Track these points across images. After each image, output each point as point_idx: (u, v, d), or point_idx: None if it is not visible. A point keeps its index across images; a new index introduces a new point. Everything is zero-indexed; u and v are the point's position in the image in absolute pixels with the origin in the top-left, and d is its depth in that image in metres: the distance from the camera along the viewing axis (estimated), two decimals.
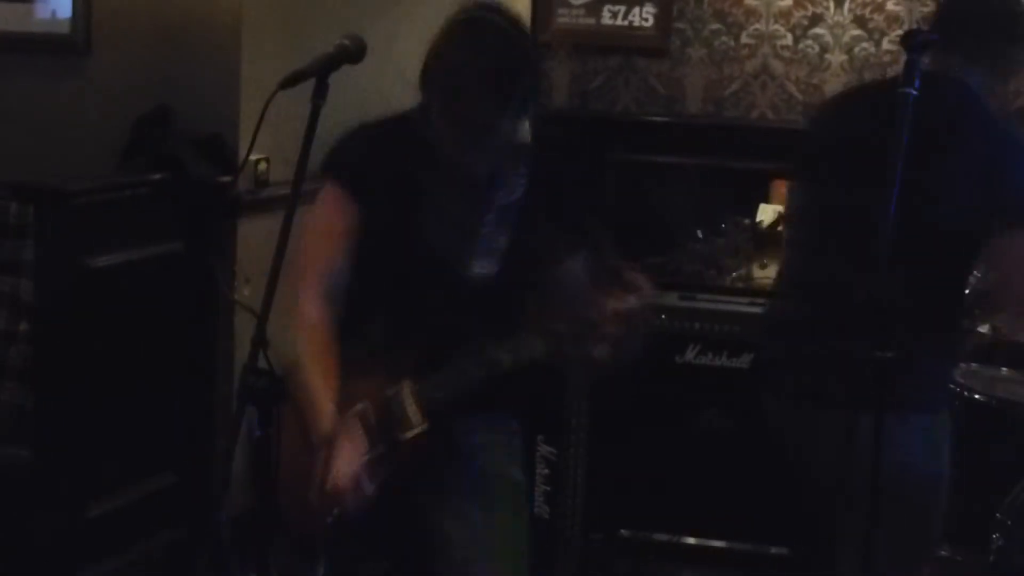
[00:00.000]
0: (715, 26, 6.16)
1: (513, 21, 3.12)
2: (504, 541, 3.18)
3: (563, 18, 6.23)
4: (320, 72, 2.74)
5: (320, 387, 3.00)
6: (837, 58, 5.96)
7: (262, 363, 2.71)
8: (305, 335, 3.06)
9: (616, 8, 6.23)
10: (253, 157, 4.44)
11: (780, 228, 5.49)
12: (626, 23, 6.23)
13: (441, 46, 3.03)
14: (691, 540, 5.17)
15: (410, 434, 2.99)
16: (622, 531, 5.16)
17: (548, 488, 4.72)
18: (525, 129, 3.14)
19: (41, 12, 4.86)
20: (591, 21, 6.25)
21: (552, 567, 4.74)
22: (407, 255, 3.13)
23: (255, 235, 4.66)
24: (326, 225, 3.13)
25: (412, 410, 3.01)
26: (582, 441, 5.01)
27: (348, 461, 2.95)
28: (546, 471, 4.73)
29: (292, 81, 2.72)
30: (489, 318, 3.01)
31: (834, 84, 5.91)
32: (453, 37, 3.03)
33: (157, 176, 4.62)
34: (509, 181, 3.12)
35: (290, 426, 2.92)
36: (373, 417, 3.01)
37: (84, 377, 4.42)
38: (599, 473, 5.12)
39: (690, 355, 5.15)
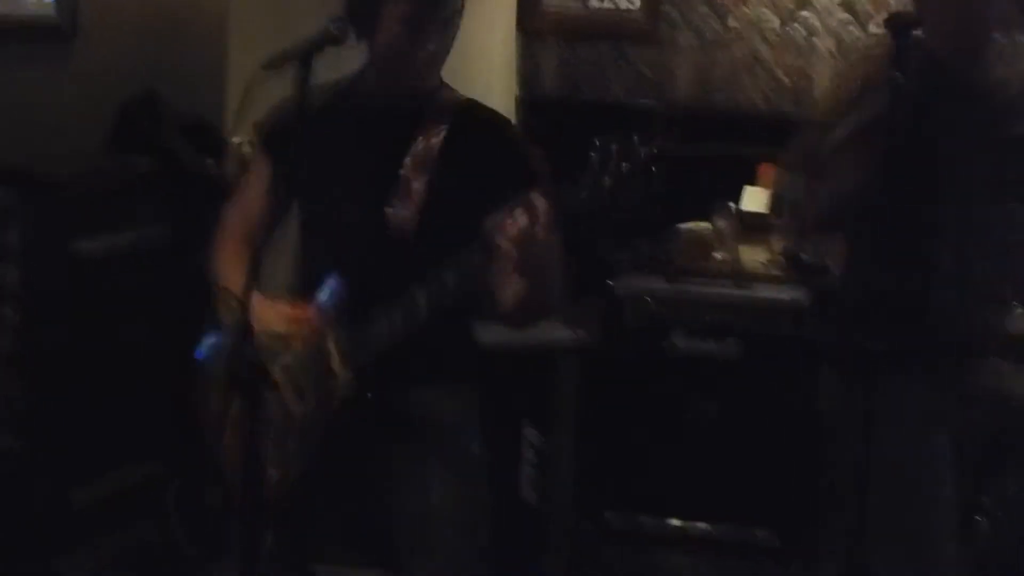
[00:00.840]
0: (702, 10, 6.20)
1: None
2: (462, 513, 3.19)
3: (551, 5, 6.25)
4: (303, 55, 2.77)
5: (233, 282, 3.03)
6: (825, 42, 6.00)
7: (247, 350, 2.70)
8: (219, 259, 3.23)
9: None
10: (237, 140, 4.44)
11: (765, 212, 5.59)
12: (613, 6, 6.26)
13: None
14: (686, 524, 5.24)
15: (334, 382, 2.99)
16: (608, 514, 5.23)
17: (534, 472, 4.75)
18: (445, 48, 3.18)
19: None
20: (578, 4, 6.27)
21: (539, 550, 4.79)
22: (330, 200, 3.18)
23: None
24: (251, 178, 3.35)
25: (336, 357, 3.01)
26: (570, 425, 5.05)
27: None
28: (531, 455, 4.74)
29: (276, 63, 2.79)
30: (411, 265, 2.98)
31: (822, 70, 5.96)
32: None
33: (144, 161, 4.69)
34: (434, 124, 3.15)
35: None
36: (303, 369, 3.03)
37: (71, 364, 4.45)
38: (586, 457, 5.18)
39: (679, 339, 5.23)
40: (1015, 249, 3.60)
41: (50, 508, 4.43)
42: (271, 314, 2.99)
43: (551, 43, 6.29)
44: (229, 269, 3.16)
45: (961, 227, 3.48)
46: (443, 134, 3.13)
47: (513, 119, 6.16)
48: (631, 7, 6.18)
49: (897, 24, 3.16)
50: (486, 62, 6.01)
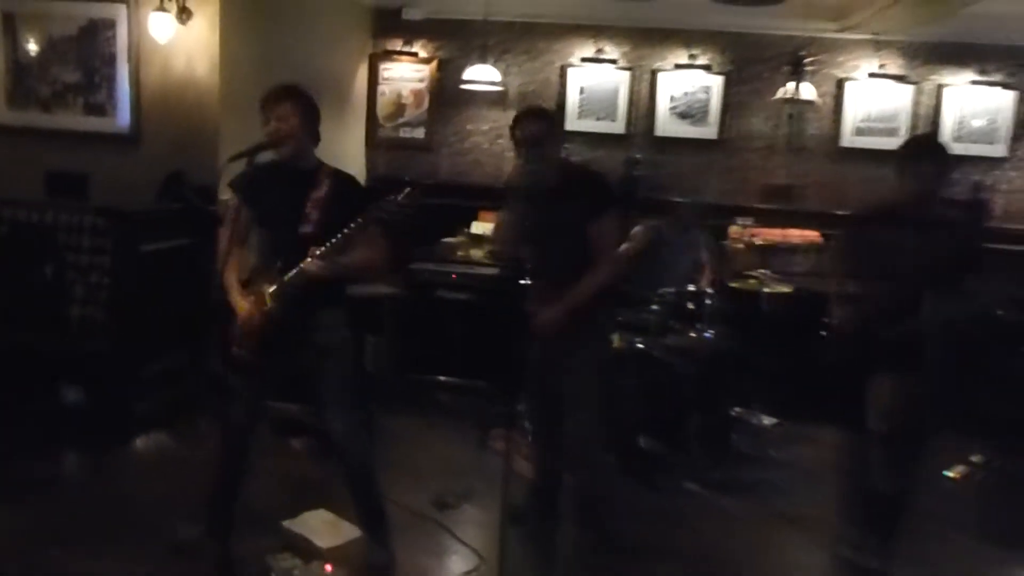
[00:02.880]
0: (453, 139, 6.29)
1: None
2: (341, 369, 3.07)
3: (382, 133, 6.29)
4: (251, 153, 2.85)
5: (230, 276, 3.02)
6: (509, 154, 5.83)
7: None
8: (222, 258, 3.04)
9: (407, 130, 6.25)
10: (224, 196, 4.27)
11: (483, 233, 5.72)
12: (410, 136, 6.24)
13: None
14: (445, 379, 5.38)
15: (265, 308, 2.93)
16: (410, 375, 5.36)
17: (372, 355, 4.80)
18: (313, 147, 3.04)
19: (121, 122, 4.74)
20: (396, 135, 6.28)
21: (375, 394, 4.75)
22: (269, 222, 3.05)
23: None
24: (232, 209, 3.10)
25: (269, 297, 2.94)
26: (392, 330, 5.17)
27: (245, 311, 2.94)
28: (371, 347, 4.80)
29: (236, 157, 2.83)
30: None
31: (506, 167, 5.79)
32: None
33: (176, 205, 4.51)
34: (321, 187, 2.96)
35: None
36: (254, 300, 2.95)
37: (139, 307, 4.33)
38: (399, 347, 5.28)
39: (442, 292, 5.40)
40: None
41: (131, 378, 4.30)
42: (240, 307, 2.96)
43: (382, 151, 6.34)
44: (226, 261, 3.04)
45: (562, 242, 3.19)
46: (325, 188, 2.97)
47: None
48: (420, 136, 6.26)
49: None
50: (351, 160, 6.05)
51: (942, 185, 3.20)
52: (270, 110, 2.95)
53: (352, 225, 2.84)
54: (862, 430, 3.38)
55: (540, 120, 3.24)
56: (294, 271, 2.92)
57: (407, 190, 2.85)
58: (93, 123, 4.79)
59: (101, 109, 4.79)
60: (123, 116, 4.76)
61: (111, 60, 4.73)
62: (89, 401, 4.24)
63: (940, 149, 3.29)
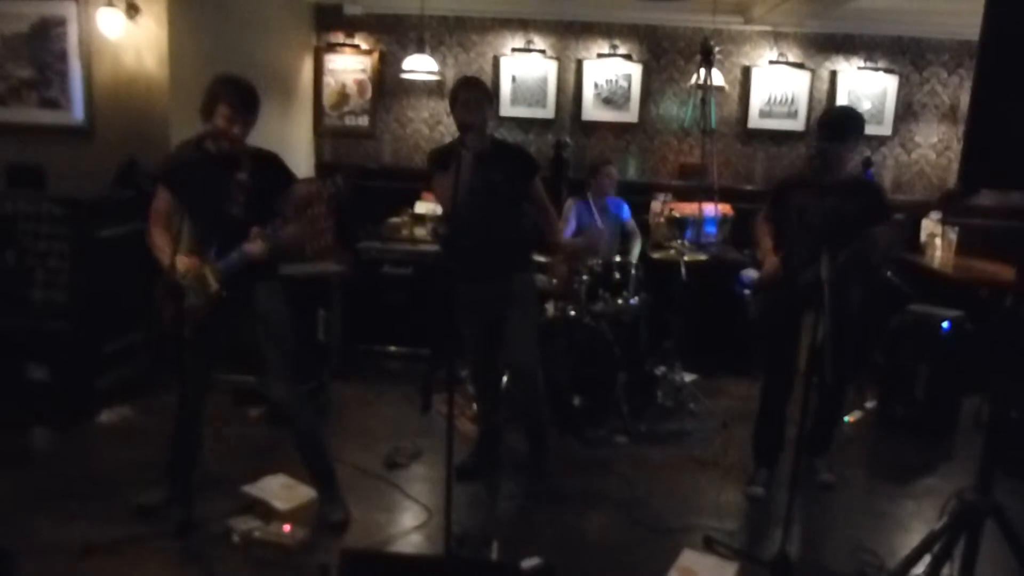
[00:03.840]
0: (395, 125, 6.20)
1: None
2: (279, 340, 3.02)
3: (327, 121, 6.18)
4: (198, 141, 2.86)
5: (165, 253, 2.91)
6: (446, 138, 5.85)
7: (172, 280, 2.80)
8: (154, 240, 2.99)
9: (352, 117, 6.14)
10: None
11: (424, 213, 5.64)
12: (354, 124, 6.15)
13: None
14: (392, 348, 5.35)
15: (211, 290, 2.91)
16: (359, 346, 5.33)
17: (324, 328, 4.65)
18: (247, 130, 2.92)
19: (75, 115, 4.59)
20: (341, 123, 6.19)
21: (323, 365, 4.61)
22: (198, 207, 2.98)
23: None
24: (158, 197, 3.04)
25: (211, 279, 2.91)
26: (342, 304, 5.09)
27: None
28: (323, 320, 4.62)
29: (186, 144, 2.89)
30: (241, 233, 2.88)
31: None
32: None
33: (129, 192, 4.39)
34: (244, 169, 2.88)
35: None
36: (194, 283, 2.90)
37: (98, 287, 4.24)
38: (347, 320, 5.20)
39: (387, 268, 5.31)
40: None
41: (92, 355, 4.21)
42: (181, 263, 2.88)
43: (328, 138, 6.20)
44: (160, 243, 2.97)
45: (497, 217, 3.27)
46: (249, 169, 2.89)
47: (313, 174, 6.12)
48: (364, 124, 6.18)
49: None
50: (300, 146, 5.93)
51: (850, 153, 3.35)
52: (238, 110, 2.86)
53: (286, 207, 2.86)
54: (773, 375, 3.48)
55: (477, 87, 3.27)
56: (235, 253, 2.88)
57: (339, 175, 2.87)
58: (48, 116, 4.61)
59: (55, 103, 4.61)
60: (77, 109, 4.60)
61: (63, 56, 4.56)
62: (53, 377, 4.14)
63: (848, 123, 3.37)
